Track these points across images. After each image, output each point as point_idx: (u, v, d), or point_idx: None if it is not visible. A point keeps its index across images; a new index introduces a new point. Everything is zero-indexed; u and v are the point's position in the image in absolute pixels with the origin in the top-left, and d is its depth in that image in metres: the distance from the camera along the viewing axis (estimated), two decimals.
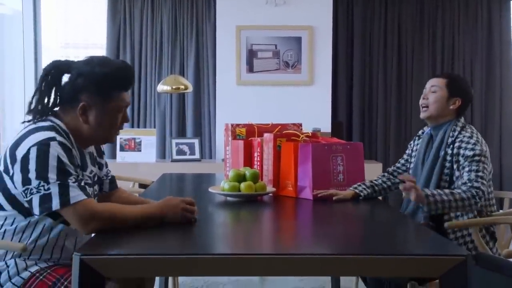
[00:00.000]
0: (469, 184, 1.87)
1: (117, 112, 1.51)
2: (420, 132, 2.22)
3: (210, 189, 2.04)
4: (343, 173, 2.05)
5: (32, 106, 1.50)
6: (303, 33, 4.28)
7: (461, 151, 1.94)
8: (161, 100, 4.50)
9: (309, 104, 4.25)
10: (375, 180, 2.16)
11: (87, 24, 4.62)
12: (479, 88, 4.64)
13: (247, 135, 2.34)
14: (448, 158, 1.97)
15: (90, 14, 4.64)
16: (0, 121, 3.94)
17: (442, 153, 1.99)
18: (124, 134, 3.98)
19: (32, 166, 1.36)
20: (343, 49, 4.57)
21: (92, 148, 1.63)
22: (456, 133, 1.99)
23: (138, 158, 3.95)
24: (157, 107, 4.49)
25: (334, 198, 1.93)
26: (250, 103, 4.26)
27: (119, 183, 2.84)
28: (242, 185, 1.94)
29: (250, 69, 4.30)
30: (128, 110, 4.41)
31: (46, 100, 1.50)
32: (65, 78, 1.53)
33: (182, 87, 3.85)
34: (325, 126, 4.15)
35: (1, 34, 4.11)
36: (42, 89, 1.50)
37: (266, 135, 2.16)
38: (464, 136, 1.96)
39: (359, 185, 2.04)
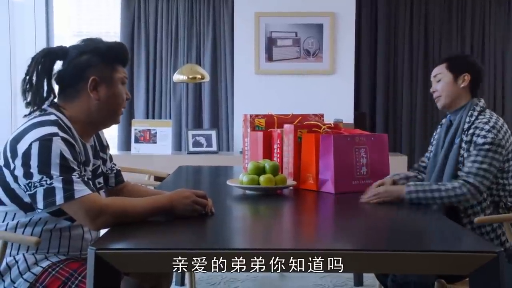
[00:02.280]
0: (465, 179, 1.81)
1: (123, 85, 1.54)
2: (443, 120, 2.15)
3: (228, 182, 2.02)
4: (366, 166, 2.02)
5: (29, 98, 1.48)
6: (324, 19, 4.18)
7: (474, 138, 1.87)
8: (176, 90, 4.45)
9: (331, 94, 4.18)
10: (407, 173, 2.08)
11: (100, 12, 4.60)
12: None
13: (267, 126, 2.30)
14: (464, 145, 1.91)
15: (104, 2, 4.62)
16: (13, 110, 3.96)
17: (457, 139, 1.94)
18: (139, 125, 3.96)
19: (34, 162, 1.34)
20: (366, 36, 4.46)
21: (93, 141, 1.61)
22: (473, 119, 1.92)
23: (153, 150, 3.92)
24: (173, 97, 4.45)
25: (375, 200, 1.79)
26: (269, 93, 4.20)
27: (134, 176, 2.86)
28: (262, 178, 1.91)
29: (269, 57, 4.22)
30: (143, 101, 4.45)
31: (42, 91, 1.49)
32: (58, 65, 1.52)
33: (199, 76, 3.80)
34: (348, 117, 4.09)
35: (12, 22, 4.09)
36: (35, 79, 1.48)
37: (286, 126, 2.13)
38: (480, 122, 1.89)
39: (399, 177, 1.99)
